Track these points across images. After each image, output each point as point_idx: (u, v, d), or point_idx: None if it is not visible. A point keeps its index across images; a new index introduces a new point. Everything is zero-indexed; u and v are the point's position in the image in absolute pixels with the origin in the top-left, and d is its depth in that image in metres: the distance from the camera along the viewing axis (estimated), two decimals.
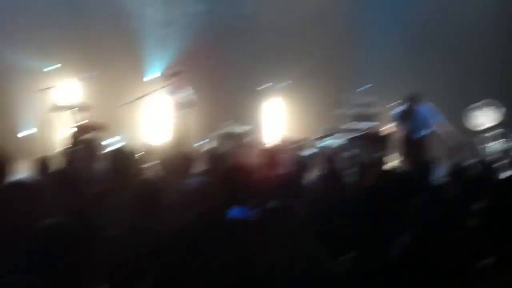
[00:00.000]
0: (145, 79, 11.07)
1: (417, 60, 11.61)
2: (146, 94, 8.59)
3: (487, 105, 10.08)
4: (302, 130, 10.58)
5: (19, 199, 3.21)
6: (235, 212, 3.25)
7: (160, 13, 12.20)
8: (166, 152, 5.42)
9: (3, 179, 4.26)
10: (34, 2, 10.76)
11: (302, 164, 5.52)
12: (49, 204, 3.51)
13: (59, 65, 9.81)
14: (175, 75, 8.59)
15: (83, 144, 5.95)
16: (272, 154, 5.59)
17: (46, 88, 8.29)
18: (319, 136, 9.47)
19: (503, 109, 10.02)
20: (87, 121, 7.84)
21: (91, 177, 4.67)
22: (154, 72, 11.37)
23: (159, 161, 5.29)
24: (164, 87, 8.88)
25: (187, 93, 8.69)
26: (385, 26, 11.72)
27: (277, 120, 11.17)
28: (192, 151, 5.77)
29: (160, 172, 5.05)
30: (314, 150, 8.77)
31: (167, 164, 4.99)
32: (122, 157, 4.57)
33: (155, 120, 9.55)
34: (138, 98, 8.33)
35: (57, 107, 7.67)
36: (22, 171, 4.63)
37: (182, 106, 8.65)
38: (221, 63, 11.79)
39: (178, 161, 4.94)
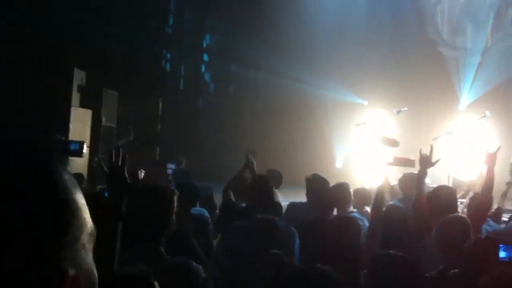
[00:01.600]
0: (459, 108, 10.87)
1: None
2: (456, 129, 8.44)
3: None
4: None
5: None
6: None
7: (472, 40, 11.94)
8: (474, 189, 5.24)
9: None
10: (356, 37, 11.54)
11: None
12: None
13: (367, 102, 10.51)
14: None
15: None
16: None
17: (362, 123, 8.84)
18: None
19: None
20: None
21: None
22: (467, 101, 11.18)
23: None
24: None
25: None
26: None
27: None
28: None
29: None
30: None
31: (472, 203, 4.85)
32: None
33: (465, 153, 9.29)
34: (449, 133, 8.23)
35: (385, 139, 8.10)
36: None
37: None
38: None
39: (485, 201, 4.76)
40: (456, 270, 3.34)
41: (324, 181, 4.97)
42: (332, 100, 11.04)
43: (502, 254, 3.41)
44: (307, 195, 4.96)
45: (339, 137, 10.93)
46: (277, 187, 5.58)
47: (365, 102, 11.41)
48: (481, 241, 3.53)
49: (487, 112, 8.78)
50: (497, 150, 4.51)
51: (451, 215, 4.07)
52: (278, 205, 4.19)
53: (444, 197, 4.87)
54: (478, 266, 3.33)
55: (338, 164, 10.83)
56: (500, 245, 3.50)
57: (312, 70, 10.82)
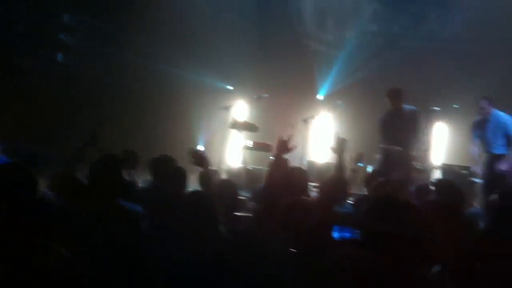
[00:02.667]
0: (318, 97, 11.38)
1: None
2: (313, 116, 8.92)
3: None
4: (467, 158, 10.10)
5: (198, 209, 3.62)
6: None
7: (334, 34, 12.59)
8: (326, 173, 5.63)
9: (183, 188, 4.86)
10: (223, 24, 11.61)
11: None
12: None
13: (232, 88, 10.69)
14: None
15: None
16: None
17: (226, 107, 9.00)
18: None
19: None
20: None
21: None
22: (325, 91, 11.79)
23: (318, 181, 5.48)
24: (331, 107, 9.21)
25: None
26: None
27: (440, 145, 10.85)
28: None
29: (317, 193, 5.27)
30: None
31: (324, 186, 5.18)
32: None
33: (321, 139, 9.86)
34: (306, 119, 8.67)
35: (236, 123, 8.23)
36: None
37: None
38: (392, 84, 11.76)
39: (336, 184, 5.12)
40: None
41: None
42: (198, 84, 11.07)
43: (335, 234, 3.63)
44: None
45: (203, 121, 11.05)
46: (134, 167, 5.71)
47: (231, 88, 11.60)
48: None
49: (339, 102, 9.50)
50: (339, 137, 4.99)
51: (293, 197, 4.36)
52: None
53: (297, 179, 5.25)
54: (314, 246, 3.55)
55: (200, 146, 10.96)
56: (334, 226, 3.73)
57: (180, 53, 10.75)
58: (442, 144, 11.10)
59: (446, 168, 9.39)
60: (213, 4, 11.36)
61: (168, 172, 4.98)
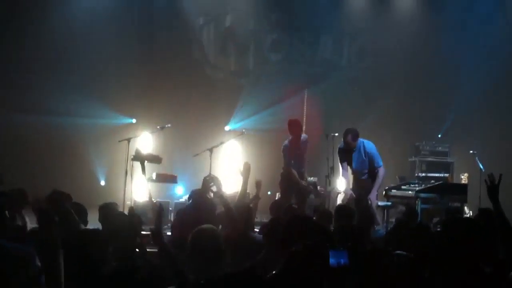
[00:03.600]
0: (226, 128, 11.39)
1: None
2: (218, 144, 8.86)
3: None
4: None
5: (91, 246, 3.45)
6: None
7: (236, 63, 12.75)
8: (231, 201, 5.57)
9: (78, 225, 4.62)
10: (112, 54, 11.36)
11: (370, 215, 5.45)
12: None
13: (134, 120, 10.58)
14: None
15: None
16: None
17: (127, 139, 8.73)
18: (392, 185, 9.30)
19: None
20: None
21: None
22: (231, 121, 11.84)
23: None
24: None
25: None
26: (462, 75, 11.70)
27: None
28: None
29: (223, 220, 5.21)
30: (387, 201, 8.64)
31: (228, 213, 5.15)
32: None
33: (228, 168, 9.80)
34: (210, 148, 8.60)
35: (139, 155, 8.00)
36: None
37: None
38: (296, 109, 12.07)
39: (239, 211, 5.10)
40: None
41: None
42: (95, 124, 10.86)
43: (331, 260, 3.00)
44: None
45: (102, 156, 10.76)
46: (23, 206, 5.46)
47: (133, 120, 11.33)
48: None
49: (244, 130, 9.61)
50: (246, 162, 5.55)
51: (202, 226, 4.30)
52: None
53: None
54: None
55: (102, 182, 10.60)
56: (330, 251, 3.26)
57: (71, 100, 10.67)
58: None
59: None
60: (105, 43, 11.14)
61: (62, 209, 4.70)
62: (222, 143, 9.22)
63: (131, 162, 8.16)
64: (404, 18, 12.39)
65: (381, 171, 7.94)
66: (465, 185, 8.94)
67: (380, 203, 8.55)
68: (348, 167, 8.11)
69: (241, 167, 5.62)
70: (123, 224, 4.52)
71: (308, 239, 3.16)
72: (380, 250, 3.20)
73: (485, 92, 11.87)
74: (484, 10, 12.31)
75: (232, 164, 11.06)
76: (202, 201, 5.41)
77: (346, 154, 8.10)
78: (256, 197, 5.87)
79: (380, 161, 8.03)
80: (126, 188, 8.43)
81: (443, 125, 11.87)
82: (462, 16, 12.20)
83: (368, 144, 8.11)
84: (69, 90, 10.81)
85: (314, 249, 2.91)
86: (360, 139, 8.07)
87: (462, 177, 9.68)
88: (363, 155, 8.03)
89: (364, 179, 8.01)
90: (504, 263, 3.31)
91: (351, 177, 8.22)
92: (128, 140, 8.65)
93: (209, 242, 3.62)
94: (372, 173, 7.97)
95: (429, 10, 12.41)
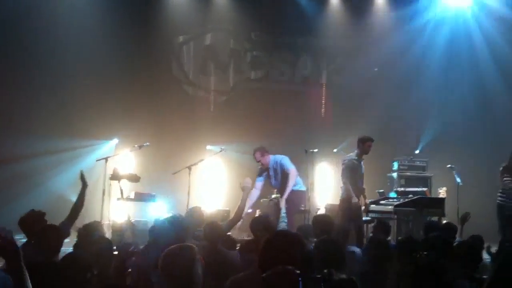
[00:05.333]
0: (208, 147, 11.39)
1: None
2: (197, 162, 8.87)
3: None
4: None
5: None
6: None
7: (217, 81, 12.80)
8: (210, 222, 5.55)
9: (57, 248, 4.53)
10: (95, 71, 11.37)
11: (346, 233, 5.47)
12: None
13: (117, 140, 10.56)
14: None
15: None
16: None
17: (105, 158, 8.69)
18: (371, 200, 9.36)
19: None
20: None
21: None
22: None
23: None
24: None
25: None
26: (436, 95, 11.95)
27: (325, 185, 11.26)
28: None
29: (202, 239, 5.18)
30: (366, 216, 8.71)
31: (207, 232, 5.12)
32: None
33: (207, 186, 9.81)
34: (189, 166, 8.60)
35: (117, 174, 7.97)
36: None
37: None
38: (274, 127, 12.12)
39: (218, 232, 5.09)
40: None
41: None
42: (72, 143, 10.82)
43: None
44: None
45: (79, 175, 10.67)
46: None
47: (116, 140, 11.25)
48: None
49: (223, 147, 9.67)
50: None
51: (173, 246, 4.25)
52: None
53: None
54: None
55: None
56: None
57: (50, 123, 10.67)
58: (325, 185, 11.45)
59: (329, 208, 9.70)
60: (84, 61, 11.14)
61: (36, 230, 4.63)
62: (201, 160, 9.24)
63: (109, 181, 8.13)
64: (382, 35, 12.57)
65: (292, 172, 8.13)
66: (442, 199, 9.04)
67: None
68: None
69: (242, 182, 5.65)
70: (100, 247, 4.45)
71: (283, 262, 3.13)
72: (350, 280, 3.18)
73: (462, 106, 12.08)
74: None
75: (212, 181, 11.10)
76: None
77: (262, 171, 8.35)
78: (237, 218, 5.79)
79: (290, 165, 8.22)
80: (103, 208, 8.36)
81: (420, 140, 12.02)
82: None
83: (282, 160, 8.26)
84: (51, 110, 10.75)
85: (284, 275, 2.88)
86: (274, 156, 8.22)
87: (440, 191, 9.76)
88: (279, 171, 8.23)
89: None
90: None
91: None
92: (106, 159, 8.62)
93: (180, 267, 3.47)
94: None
95: (408, 27, 12.61)
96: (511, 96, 12.02)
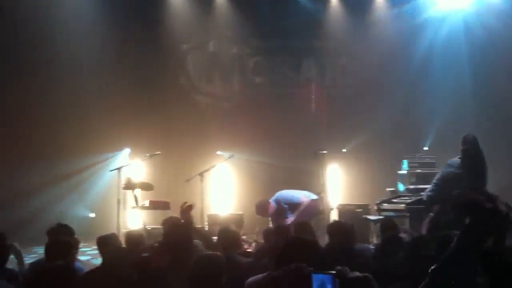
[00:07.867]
0: (218, 152, 11.46)
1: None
2: (209, 168, 8.95)
3: None
4: (363, 195, 10.60)
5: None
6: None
7: (221, 87, 12.88)
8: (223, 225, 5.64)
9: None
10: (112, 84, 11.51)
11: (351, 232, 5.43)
12: None
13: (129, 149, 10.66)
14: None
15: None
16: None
17: (118, 168, 8.77)
18: (383, 199, 9.39)
19: None
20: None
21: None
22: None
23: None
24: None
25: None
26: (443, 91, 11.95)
27: (336, 186, 11.30)
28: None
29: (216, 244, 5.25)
30: (378, 216, 8.73)
31: (221, 236, 5.20)
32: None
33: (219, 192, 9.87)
34: (201, 173, 8.68)
35: (130, 183, 8.05)
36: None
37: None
38: (282, 131, 12.19)
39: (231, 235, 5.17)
40: None
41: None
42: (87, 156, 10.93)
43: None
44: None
45: (92, 185, 10.81)
46: None
47: (128, 150, 11.33)
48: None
49: (231, 153, 9.77)
50: None
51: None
52: None
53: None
54: None
55: (92, 213, 10.61)
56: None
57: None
58: (336, 185, 11.48)
59: (341, 208, 9.73)
60: (91, 74, 11.24)
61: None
62: (213, 166, 9.33)
63: (123, 190, 8.23)
64: (385, 34, 12.61)
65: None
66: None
67: (372, 217, 8.66)
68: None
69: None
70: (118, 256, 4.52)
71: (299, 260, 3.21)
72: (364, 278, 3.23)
73: (466, 99, 12.09)
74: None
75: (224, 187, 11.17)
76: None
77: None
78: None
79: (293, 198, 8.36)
80: (119, 217, 8.45)
81: (427, 137, 12.02)
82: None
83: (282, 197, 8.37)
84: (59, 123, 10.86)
85: (296, 273, 2.94)
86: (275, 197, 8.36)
87: None
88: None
89: None
90: None
91: None
92: (119, 169, 8.71)
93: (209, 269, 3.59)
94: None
95: (412, 26, 12.64)
96: None
